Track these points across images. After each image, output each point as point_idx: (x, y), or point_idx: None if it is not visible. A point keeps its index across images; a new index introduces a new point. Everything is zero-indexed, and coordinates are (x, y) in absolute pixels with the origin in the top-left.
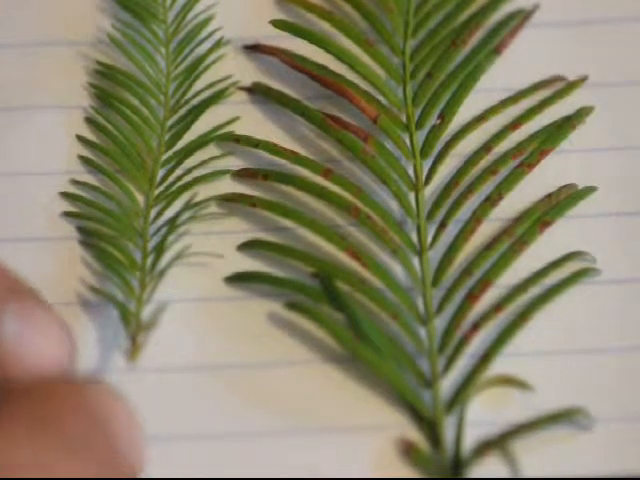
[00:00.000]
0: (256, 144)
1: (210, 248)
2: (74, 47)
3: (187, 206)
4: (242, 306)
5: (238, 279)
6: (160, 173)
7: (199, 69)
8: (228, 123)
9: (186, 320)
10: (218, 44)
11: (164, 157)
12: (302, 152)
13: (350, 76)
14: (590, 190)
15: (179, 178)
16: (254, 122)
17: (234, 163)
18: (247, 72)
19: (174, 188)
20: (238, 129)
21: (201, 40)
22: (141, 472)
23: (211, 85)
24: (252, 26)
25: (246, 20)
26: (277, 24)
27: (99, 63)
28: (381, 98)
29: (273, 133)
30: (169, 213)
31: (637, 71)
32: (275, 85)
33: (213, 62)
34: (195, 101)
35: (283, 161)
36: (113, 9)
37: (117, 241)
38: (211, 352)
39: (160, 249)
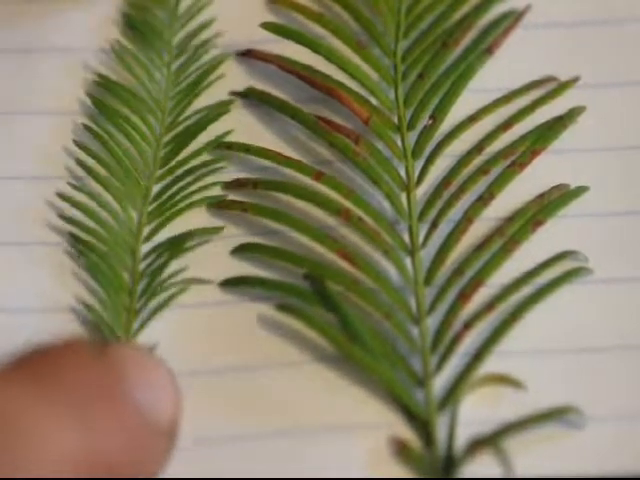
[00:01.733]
0: (247, 149)
1: (204, 254)
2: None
3: (175, 241)
4: (235, 310)
5: (231, 283)
6: (155, 189)
7: (198, 88)
8: (224, 135)
9: (179, 325)
10: (219, 61)
11: (159, 173)
12: (294, 154)
13: (341, 78)
14: (582, 190)
15: (174, 194)
16: (246, 126)
17: (227, 168)
18: (238, 75)
19: (167, 205)
20: (230, 134)
21: (203, 64)
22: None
23: (208, 107)
24: (243, 29)
25: (237, 23)
26: (268, 27)
27: (99, 75)
28: (372, 99)
29: (265, 136)
30: (161, 235)
31: (629, 71)
32: (266, 88)
33: (210, 84)
34: (192, 119)
35: (275, 165)
36: (120, 24)
37: (108, 258)
38: (204, 356)
39: (150, 292)
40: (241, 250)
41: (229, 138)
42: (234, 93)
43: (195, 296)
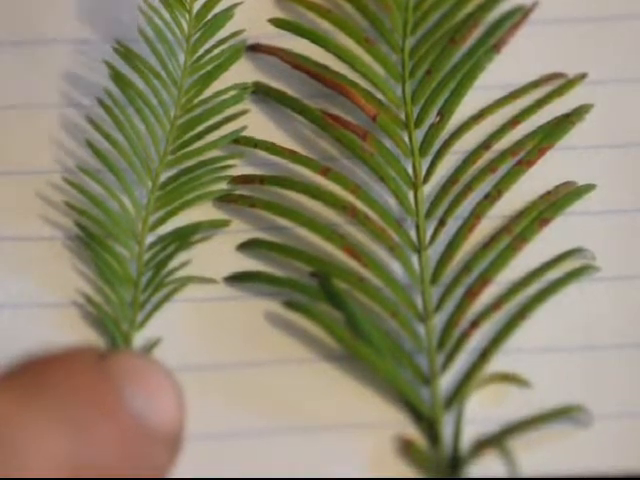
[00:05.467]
0: (255, 144)
1: (210, 248)
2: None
3: (181, 233)
4: (241, 305)
5: (237, 279)
6: (163, 176)
7: (217, 70)
8: (239, 130)
9: (185, 320)
10: (239, 49)
11: (170, 158)
12: (301, 150)
13: (349, 74)
14: (589, 187)
15: (183, 183)
16: (254, 121)
17: (234, 162)
18: (246, 71)
19: (175, 194)
20: (244, 129)
21: (222, 39)
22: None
23: (224, 91)
24: (251, 25)
25: (245, 19)
26: (277, 23)
27: (119, 43)
28: (380, 96)
29: (271, 132)
30: (167, 227)
31: (636, 68)
32: (274, 84)
33: (233, 64)
34: (208, 104)
35: (282, 160)
36: None
37: (113, 246)
38: (210, 351)
39: (154, 285)
40: (248, 245)
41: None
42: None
43: (200, 291)
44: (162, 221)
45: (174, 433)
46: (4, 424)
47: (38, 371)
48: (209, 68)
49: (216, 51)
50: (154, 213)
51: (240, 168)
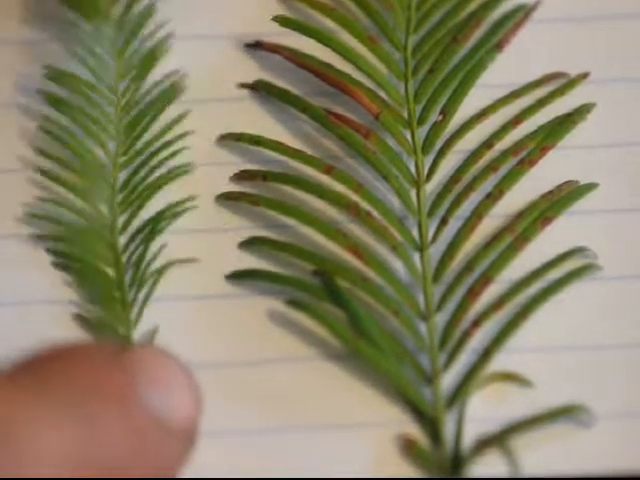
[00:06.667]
0: (257, 141)
1: (211, 246)
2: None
3: (148, 225)
4: (243, 304)
5: (239, 276)
6: (122, 177)
7: (146, 65)
8: (180, 118)
9: (186, 318)
10: (165, 40)
11: (122, 160)
12: (304, 149)
13: (352, 73)
14: (591, 187)
15: (142, 178)
16: (256, 119)
17: (236, 160)
18: (249, 69)
19: (138, 191)
20: (239, 127)
21: (149, 34)
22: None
23: (161, 82)
24: (254, 22)
25: (248, 16)
26: (280, 21)
27: (48, 67)
28: (383, 94)
29: (275, 130)
30: (137, 221)
31: (638, 68)
32: (277, 82)
33: (161, 56)
34: (147, 99)
35: (284, 158)
36: (59, 10)
37: (89, 263)
38: (211, 350)
39: (138, 281)
40: (250, 243)
41: (238, 129)
42: (243, 85)
43: (202, 289)
44: (131, 218)
45: (188, 430)
46: (15, 420)
47: (52, 367)
48: (139, 65)
49: (143, 48)
50: (122, 214)
51: (243, 166)
